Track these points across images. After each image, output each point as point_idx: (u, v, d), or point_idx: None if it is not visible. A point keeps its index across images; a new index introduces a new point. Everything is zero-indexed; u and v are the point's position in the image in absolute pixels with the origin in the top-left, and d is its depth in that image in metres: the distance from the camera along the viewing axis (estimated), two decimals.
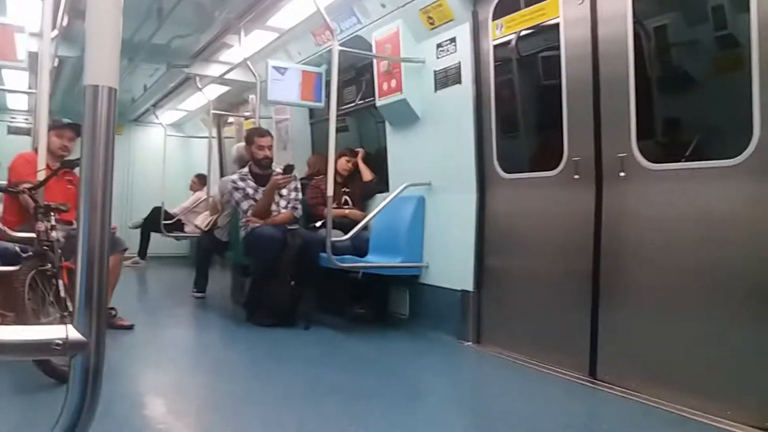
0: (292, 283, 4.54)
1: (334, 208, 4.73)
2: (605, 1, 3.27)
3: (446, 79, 4.29)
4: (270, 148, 4.90)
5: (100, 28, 1.03)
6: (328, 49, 5.08)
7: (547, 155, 3.68)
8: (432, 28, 4.36)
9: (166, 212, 8.22)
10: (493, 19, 4.00)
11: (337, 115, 4.58)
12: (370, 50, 4.71)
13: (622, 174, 3.15)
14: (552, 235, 3.58)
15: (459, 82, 4.17)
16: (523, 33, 3.93)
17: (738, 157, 2.66)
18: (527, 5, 3.83)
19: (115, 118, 1.01)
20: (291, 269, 4.52)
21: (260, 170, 4.86)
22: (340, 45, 4.15)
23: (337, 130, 5.61)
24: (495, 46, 4.02)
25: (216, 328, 4.97)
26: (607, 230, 3.26)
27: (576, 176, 3.40)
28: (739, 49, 3.46)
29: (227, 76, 6.54)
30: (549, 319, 3.57)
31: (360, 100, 5.74)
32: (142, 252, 8.65)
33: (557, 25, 3.53)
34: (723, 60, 3.74)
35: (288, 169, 4.68)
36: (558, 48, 3.52)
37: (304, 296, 4.62)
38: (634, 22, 3.12)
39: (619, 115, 3.16)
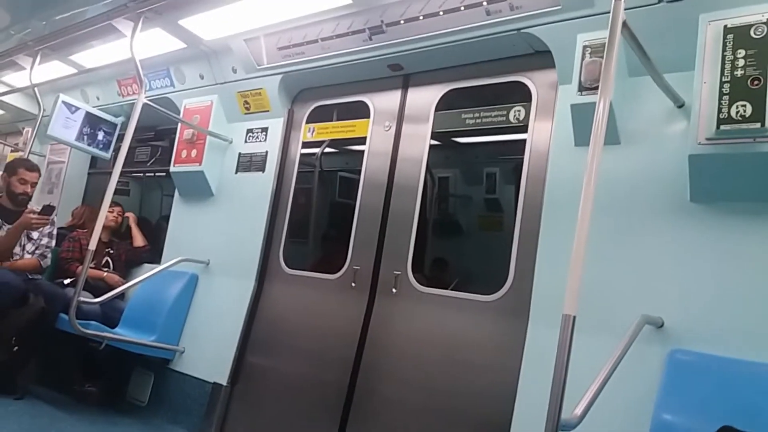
0: (15, 348, 3.83)
1: (92, 267, 4.26)
2: (407, 140, 3.59)
3: (250, 164, 4.26)
4: (34, 185, 4.29)
5: None
6: (132, 102, 4.79)
7: (331, 260, 3.77)
8: (246, 113, 4.37)
9: None
10: (307, 122, 4.14)
11: (123, 173, 4.23)
12: (178, 115, 4.53)
13: (394, 290, 3.33)
14: (319, 341, 3.57)
15: (262, 170, 4.17)
16: (332, 148, 4.13)
17: (493, 295, 3.00)
18: (340, 119, 4.07)
19: None
20: (19, 330, 3.83)
21: (12, 206, 4.20)
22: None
23: (119, 192, 5.20)
24: (303, 147, 4.14)
25: None
26: (370, 343, 3.37)
27: (353, 284, 3.50)
28: (502, 212, 4.04)
29: (4, 99, 5.76)
30: (298, 427, 3.46)
31: (152, 164, 5.42)
32: None
33: (362, 151, 3.77)
34: (487, 218, 4.33)
35: (47, 209, 4.09)
36: (359, 171, 3.74)
37: (28, 361, 3.91)
38: (427, 167, 3.47)
39: (400, 240, 3.42)
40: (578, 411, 1.74)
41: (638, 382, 2.27)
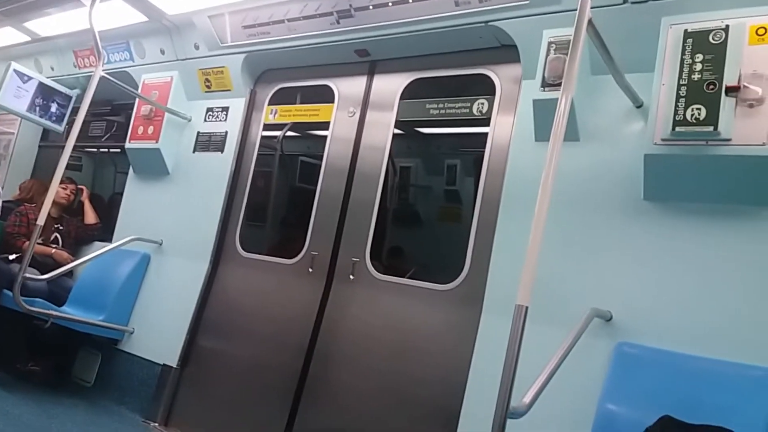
0: None
1: (39, 243, 4.13)
2: (371, 127, 3.57)
3: (209, 143, 4.17)
4: None
5: None
6: (88, 74, 4.63)
7: (289, 245, 3.74)
8: (207, 91, 4.28)
9: None
10: (270, 104, 4.08)
11: (76, 148, 4.08)
12: (137, 90, 4.40)
13: (351, 277, 3.32)
14: (273, 325, 3.54)
15: (221, 150, 4.09)
16: (294, 131, 4.08)
17: (449, 285, 3.02)
18: (303, 102, 4.02)
19: None
20: None
21: None
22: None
23: (71, 167, 5.03)
24: (265, 129, 4.08)
25: None
26: (325, 329, 3.36)
27: (310, 269, 3.48)
28: (461, 204, 4.07)
29: None
30: (248, 412, 3.43)
31: (107, 140, 5.26)
32: None
33: (325, 136, 3.73)
34: (447, 209, 4.34)
35: None
36: (321, 156, 3.71)
37: None
38: (389, 155, 3.46)
39: (360, 227, 3.41)
40: (527, 399, 1.77)
41: (585, 373, 2.33)
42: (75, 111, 4.87)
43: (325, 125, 3.77)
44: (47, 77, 5.19)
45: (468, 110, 3.25)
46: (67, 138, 3.64)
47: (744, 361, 2.11)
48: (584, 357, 2.25)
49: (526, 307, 1.68)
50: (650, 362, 2.23)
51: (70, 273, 4.14)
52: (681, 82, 2.26)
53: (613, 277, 2.48)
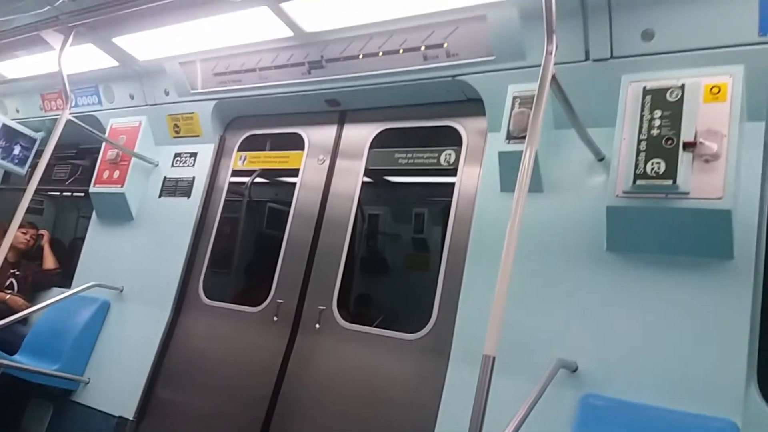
0: None
1: None
2: (340, 175, 3.59)
3: (175, 189, 4.13)
4: None
5: None
6: (55, 118, 4.58)
7: (254, 292, 3.68)
8: (175, 137, 4.26)
9: None
10: (239, 150, 4.08)
11: (39, 191, 3.99)
12: (104, 134, 4.36)
13: (317, 326, 3.27)
14: (235, 376, 3.44)
15: (188, 196, 4.05)
16: (263, 178, 4.08)
17: (416, 334, 2.99)
18: (273, 149, 4.03)
19: None
20: None
21: None
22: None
23: (31, 211, 4.92)
24: (233, 175, 4.06)
25: None
26: (289, 379, 3.28)
27: (275, 317, 3.42)
28: (428, 253, 4.09)
29: None
30: None
31: (71, 183, 5.17)
32: None
33: (294, 183, 3.74)
34: (414, 257, 4.36)
35: None
36: (289, 203, 3.70)
37: None
38: (358, 203, 3.47)
39: (327, 275, 3.38)
40: None
41: (552, 424, 2.31)
42: (39, 154, 4.79)
43: (294, 172, 3.78)
44: (12, 119, 5.12)
45: (435, 160, 3.30)
46: (29, 181, 3.56)
47: (705, 412, 2.13)
48: (551, 408, 2.24)
49: (494, 358, 1.67)
50: (615, 414, 2.23)
51: (24, 320, 3.99)
52: (641, 137, 2.34)
53: (578, 327, 2.49)
